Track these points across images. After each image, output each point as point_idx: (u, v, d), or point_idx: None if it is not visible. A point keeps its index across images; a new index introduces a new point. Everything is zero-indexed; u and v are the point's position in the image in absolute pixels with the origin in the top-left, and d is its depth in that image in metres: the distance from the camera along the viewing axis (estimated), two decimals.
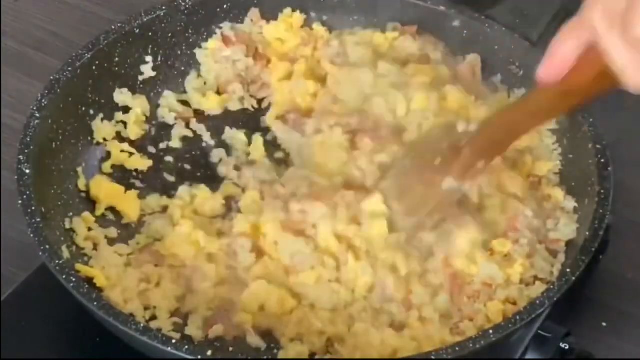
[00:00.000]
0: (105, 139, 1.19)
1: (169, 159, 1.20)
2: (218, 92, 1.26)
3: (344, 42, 1.25)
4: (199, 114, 1.24)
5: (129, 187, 1.16)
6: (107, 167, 1.18)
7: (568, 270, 1.01)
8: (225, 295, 1.07)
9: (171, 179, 1.18)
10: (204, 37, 1.27)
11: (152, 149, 1.21)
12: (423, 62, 1.23)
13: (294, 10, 1.28)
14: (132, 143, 1.20)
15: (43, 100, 1.12)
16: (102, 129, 1.19)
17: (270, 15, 1.28)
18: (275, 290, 1.06)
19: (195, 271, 1.07)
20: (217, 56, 1.26)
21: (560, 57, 0.87)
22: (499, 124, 1.03)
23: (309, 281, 1.06)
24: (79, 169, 1.15)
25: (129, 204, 1.14)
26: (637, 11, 0.78)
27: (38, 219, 1.02)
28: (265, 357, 1.03)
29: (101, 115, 1.19)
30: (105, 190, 1.14)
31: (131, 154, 1.19)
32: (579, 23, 0.86)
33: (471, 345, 0.95)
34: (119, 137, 1.20)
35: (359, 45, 1.24)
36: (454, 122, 1.08)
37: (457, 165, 1.02)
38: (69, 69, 1.16)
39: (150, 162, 1.19)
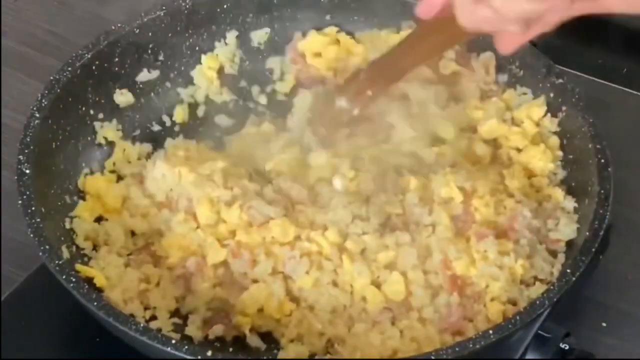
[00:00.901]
0: (106, 139, 1.19)
1: None
2: None
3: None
4: None
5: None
6: (109, 164, 1.18)
7: (568, 270, 1.01)
8: (224, 296, 1.07)
9: None
10: (204, 37, 1.27)
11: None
12: (435, 60, 1.23)
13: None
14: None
15: (43, 100, 1.12)
16: (104, 129, 1.19)
17: None
18: (273, 293, 1.06)
19: (193, 272, 1.07)
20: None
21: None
22: (388, 57, 1.12)
23: (307, 285, 1.06)
24: (79, 169, 1.15)
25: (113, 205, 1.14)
26: None
27: (38, 219, 1.02)
28: (265, 357, 1.04)
29: (101, 116, 1.19)
30: (94, 188, 1.14)
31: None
32: None
33: (471, 345, 0.95)
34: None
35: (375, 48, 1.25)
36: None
37: (351, 88, 1.12)
38: (69, 69, 1.16)
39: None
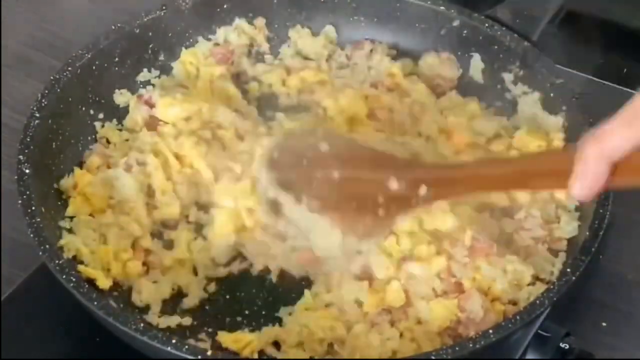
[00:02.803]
0: (106, 139, 1.19)
1: None
2: None
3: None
4: None
5: None
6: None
7: (568, 270, 1.01)
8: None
9: None
10: (205, 36, 1.27)
11: None
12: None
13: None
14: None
15: (43, 100, 1.12)
16: (104, 129, 1.19)
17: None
18: None
19: (177, 272, 1.08)
20: None
21: (592, 177, 0.87)
22: (461, 171, 1.00)
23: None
24: (79, 169, 1.15)
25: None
26: None
27: (38, 219, 1.02)
28: (265, 357, 1.03)
29: (101, 115, 1.19)
30: (81, 182, 1.13)
31: None
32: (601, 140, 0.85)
33: (471, 345, 0.95)
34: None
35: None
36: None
37: (406, 172, 0.98)
38: (69, 69, 1.16)
39: None
